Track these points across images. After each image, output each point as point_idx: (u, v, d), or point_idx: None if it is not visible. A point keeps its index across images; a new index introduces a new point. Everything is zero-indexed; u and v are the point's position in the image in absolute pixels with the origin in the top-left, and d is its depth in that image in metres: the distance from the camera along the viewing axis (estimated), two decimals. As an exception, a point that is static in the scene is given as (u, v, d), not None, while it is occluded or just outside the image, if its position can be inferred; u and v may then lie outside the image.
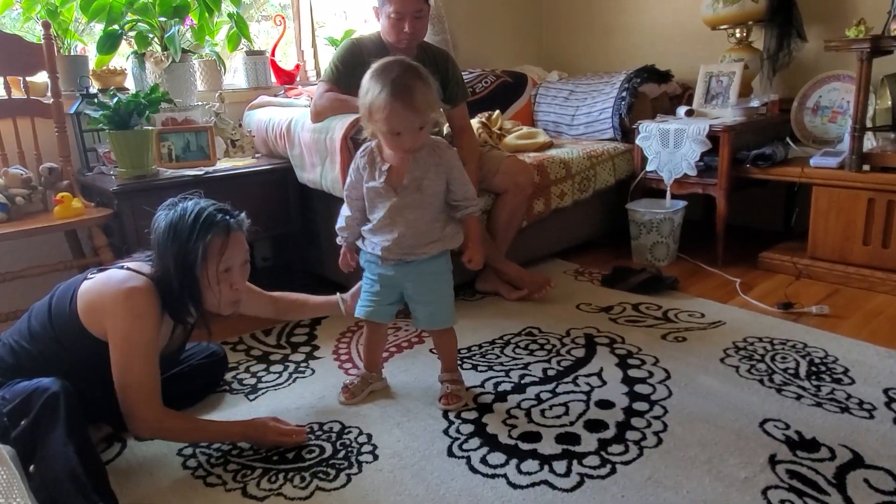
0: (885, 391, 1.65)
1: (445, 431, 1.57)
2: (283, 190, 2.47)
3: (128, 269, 1.48)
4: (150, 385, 1.43)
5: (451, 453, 1.48)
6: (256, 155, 2.65)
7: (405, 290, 1.67)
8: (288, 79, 3.02)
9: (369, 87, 1.48)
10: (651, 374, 1.81)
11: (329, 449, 1.52)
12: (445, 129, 2.52)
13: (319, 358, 2.01)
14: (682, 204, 2.71)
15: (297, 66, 3.11)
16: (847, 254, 2.35)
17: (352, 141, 2.12)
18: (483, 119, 2.87)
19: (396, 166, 1.57)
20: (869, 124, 2.36)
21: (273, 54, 2.99)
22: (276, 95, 2.82)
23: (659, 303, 2.31)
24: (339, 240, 1.71)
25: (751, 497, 1.29)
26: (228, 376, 1.91)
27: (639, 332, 2.09)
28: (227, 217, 1.49)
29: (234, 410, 1.73)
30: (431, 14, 3.21)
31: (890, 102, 2.36)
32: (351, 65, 2.28)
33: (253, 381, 1.89)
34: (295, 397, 1.78)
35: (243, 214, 1.56)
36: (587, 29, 3.66)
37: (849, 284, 2.34)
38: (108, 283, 1.44)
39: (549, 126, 3.27)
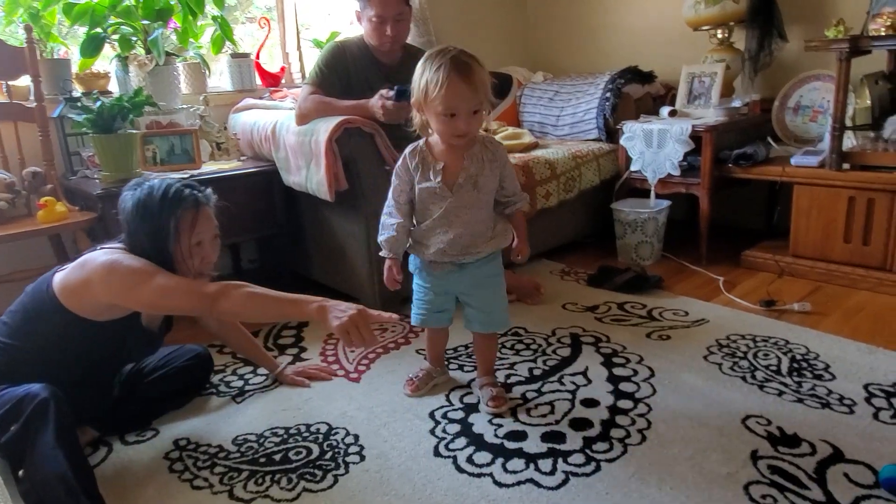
0: (865, 387, 1.68)
1: (432, 431, 1.58)
2: (269, 192, 2.47)
3: (101, 248, 1.49)
4: (182, 285, 1.41)
5: (437, 453, 1.49)
6: (242, 158, 2.64)
7: (460, 295, 1.65)
8: (273, 81, 3.02)
9: (425, 68, 1.43)
10: (635, 373, 1.83)
11: (316, 450, 1.53)
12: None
13: (307, 360, 2.01)
14: (666, 203, 2.74)
15: (283, 69, 3.11)
16: (828, 251, 2.39)
17: (336, 143, 2.12)
18: (468, 120, 2.88)
19: (450, 164, 1.52)
20: (849, 123, 2.39)
21: (258, 57, 2.99)
22: (261, 98, 2.81)
23: (644, 301, 2.33)
24: (383, 253, 1.59)
25: (732, 493, 1.31)
26: (215, 379, 1.91)
27: (624, 331, 2.10)
28: (195, 192, 1.50)
29: (220, 413, 1.73)
30: (416, 16, 3.23)
31: (869, 102, 2.39)
32: (335, 68, 2.29)
33: (240, 383, 1.89)
34: (282, 399, 1.78)
35: (209, 190, 1.56)
36: (572, 30, 3.68)
37: (830, 282, 2.38)
38: (86, 264, 1.44)
39: (534, 127, 3.29)
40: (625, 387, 1.75)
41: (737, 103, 2.75)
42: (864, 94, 2.40)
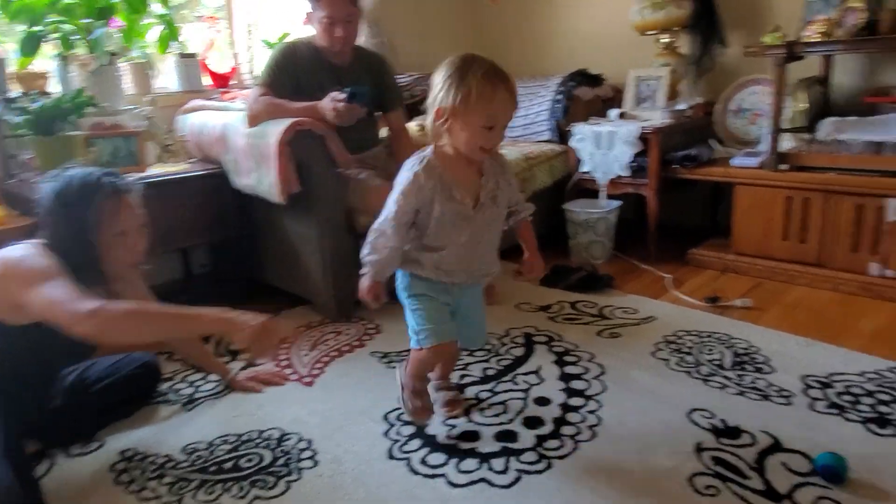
0: (802, 378, 1.75)
1: (386, 434, 1.58)
2: (220, 195, 2.43)
3: (17, 244, 1.41)
4: (63, 299, 1.26)
5: (391, 456, 1.50)
6: (191, 160, 2.59)
7: (457, 310, 1.52)
8: (222, 82, 2.97)
9: (462, 74, 1.27)
10: (587, 370, 1.87)
11: (268, 457, 1.51)
12: (382, 131, 2.54)
13: (260, 364, 1.99)
14: (616, 203, 2.80)
15: (233, 69, 3.06)
16: (768, 249, 2.48)
17: (288, 145, 2.10)
18: (420, 123, 2.89)
19: (467, 181, 1.39)
20: (787, 126, 2.49)
21: (207, 57, 2.93)
22: (210, 99, 2.76)
23: (595, 300, 2.38)
24: (367, 273, 1.43)
25: (678, 484, 1.35)
26: (163, 387, 1.86)
27: (576, 330, 2.14)
28: (115, 179, 1.45)
29: (169, 422, 1.69)
30: (368, 18, 3.22)
31: (805, 105, 2.49)
32: (285, 69, 2.27)
33: (190, 390, 1.85)
34: (234, 406, 1.76)
35: (131, 178, 1.52)
36: (523, 33, 3.73)
37: (770, 278, 2.47)
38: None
39: (487, 128, 3.32)
40: (576, 385, 1.79)
41: (682, 106, 2.83)
42: (801, 97, 2.50)
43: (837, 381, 1.72)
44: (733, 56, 2.89)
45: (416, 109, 3.10)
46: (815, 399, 1.64)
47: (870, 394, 1.65)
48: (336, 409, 1.71)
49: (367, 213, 2.27)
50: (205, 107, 2.66)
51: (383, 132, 2.55)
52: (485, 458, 1.47)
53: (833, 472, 1.32)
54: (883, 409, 1.58)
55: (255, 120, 2.22)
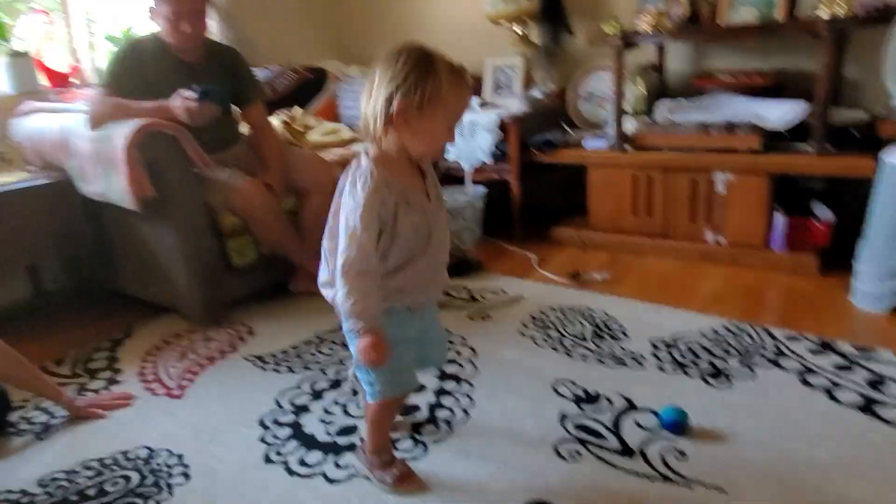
0: (651, 342, 1.92)
1: (262, 439, 1.57)
2: (66, 205, 2.26)
3: None
4: None
5: (268, 460, 1.48)
6: (29, 168, 2.38)
7: (421, 335, 1.34)
8: (61, 81, 2.74)
9: (423, 70, 1.12)
10: (460, 354, 1.94)
11: (136, 477, 1.45)
12: (242, 128, 2.47)
13: (122, 382, 1.89)
14: (482, 190, 2.90)
15: (74, 68, 2.83)
16: (620, 224, 2.68)
17: (137, 148, 1.99)
18: (285, 117, 2.84)
19: (414, 184, 1.23)
20: (629, 109, 2.69)
21: (42, 55, 2.69)
22: (47, 101, 2.54)
23: (467, 285, 2.47)
24: (360, 325, 1.16)
25: (545, 454, 1.45)
26: (14, 416, 1.72)
27: (448, 315, 2.21)
28: None
29: (22, 454, 1.57)
30: (221, 11, 3.10)
31: (644, 89, 2.70)
32: (130, 68, 2.15)
33: (44, 417, 1.72)
34: (94, 428, 1.66)
35: None
36: (383, 23, 3.73)
37: (624, 251, 2.67)
38: None
39: (354, 121, 3.30)
40: (449, 369, 1.85)
41: (537, 93, 2.97)
42: (639, 82, 2.71)
43: (680, 342, 1.90)
44: (581, 45, 3.06)
45: (278, 103, 3.03)
46: (662, 359, 1.81)
47: (707, 350, 1.84)
48: (208, 420, 1.66)
49: (233, 212, 2.21)
50: (42, 109, 2.45)
51: (246, 128, 2.48)
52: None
53: (676, 424, 1.47)
54: (717, 362, 1.77)
55: (97, 122, 2.08)
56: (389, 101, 1.12)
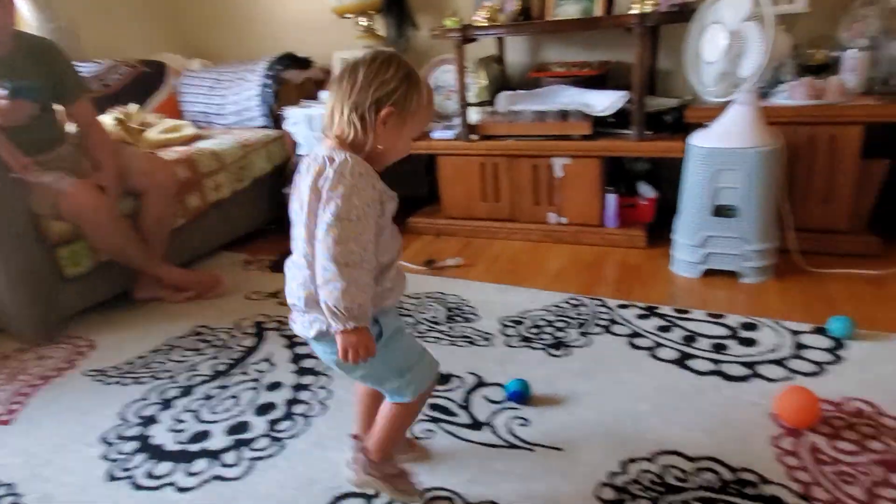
0: (500, 321, 2.03)
1: (105, 456, 1.49)
2: None
3: None
4: None
5: (112, 477, 1.42)
6: None
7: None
8: None
9: (409, 74, 1.11)
10: (317, 348, 1.94)
11: (-43, 515, 1.33)
12: (68, 127, 2.29)
13: (-62, 414, 1.71)
14: (336, 183, 2.89)
15: None
16: (471, 210, 2.79)
17: None
18: (118, 115, 2.66)
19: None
20: (473, 100, 2.80)
21: None
22: None
23: (324, 279, 2.46)
24: (350, 324, 1.06)
25: (399, 435, 1.50)
26: None
27: (306, 311, 2.20)
28: None
29: None
30: (38, 1, 2.84)
31: (486, 81, 2.82)
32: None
33: None
34: None
35: None
36: (226, 16, 3.59)
37: (476, 236, 2.79)
38: None
39: (198, 117, 3.17)
40: (307, 363, 1.85)
41: (386, 85, 3.00)
42: (482, 74, 2.83)
43: (527, 318, 2.03)
44: (426, 38, 3.13)
45: (111, 100, 2.84)
46: (510, 336, 1.93)
47: (550, 323, 1.98)
48: (43, 443, 1.55)
49: (62, 218, 2.05)
50: None
51: (73, 127, 2.30)
52: (216, 455, 1.47)
53: (519, 395, 1.58)
54: (559, 334, 1.91)
55: None
56: (377, 106, 1.09)
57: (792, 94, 2.23)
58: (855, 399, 1.50)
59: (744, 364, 1.68)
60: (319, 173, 1.07)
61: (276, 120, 3.02)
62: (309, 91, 3.17)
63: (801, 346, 1.74)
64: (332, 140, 1.12)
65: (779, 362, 1.68)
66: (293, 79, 3.13)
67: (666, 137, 2.43)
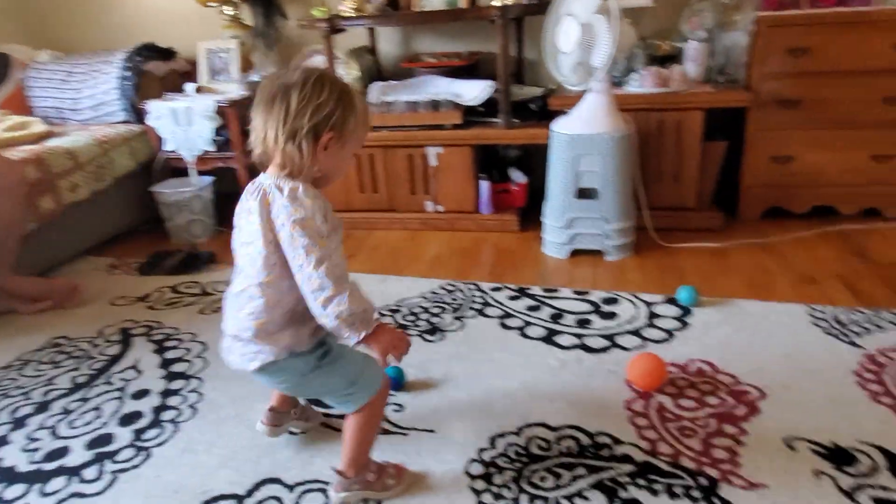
0: (379, 311, 2.05)
1: (-55, 485, 1.37)
2: None
3: None
4: None
5: (-47, 507, 1.31)
6: None
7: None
8: None
9: (344, 92, 1.10)
10: (189, 351, 1.88)
11: None
12: None
13: None
14: (208, 180, 2.79)
15: None
16: (350, 202, 2.78)
17: None
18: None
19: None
20: (346, 91, 2.79)
21: None
22: None
23: (198, 279, 2.38)
24: (375, 321, 1.15)
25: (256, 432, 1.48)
26: None
27: (178, 313, 2.12)
28: None
29: None
30: None
31: (358, 72, 2.82)
32: None
33: None
34: None
35: None
36: (78, 4, 3.34)
37: (355, 228, 2.79)
38: None
39: (50, 113, 2.94)
40: (177, 367, 1.79)
41: (257, 77, 2.93)
42: (354, 65, 2.81)
43: (404, 306, 2.06)
44: (296, 28, 3.07)
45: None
46: (387, 324, 1.95)
47: (426, 310, 2.03)
48: None
49: None
50: None
51: None
52: (75, 471, 1.39)
53: (394, 382, 1.61)
54: (434, 320, 1.96)
55: None
56: (316, 132, 1.07)
57: (642, 83, 2.39)
58: (697, 360, 1.65)
59: (604, 336, 1.80)
60: (269, 203, 1.09)
61: (138, 114, 2.86)
62: (173, 83, 3.03)
63: (654, 316, 1.89)
64: (273, 168, 1.12)
65: (635, 332, 1.81)
66: (155, 70, 2.97)
67: (532, 125, 2.53)
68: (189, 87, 2.87)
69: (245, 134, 2.72)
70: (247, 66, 3.01)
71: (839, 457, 1.28)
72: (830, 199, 2.49)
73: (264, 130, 1.09)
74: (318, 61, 2.95)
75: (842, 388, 1.50)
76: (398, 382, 1.61)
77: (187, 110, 2.69)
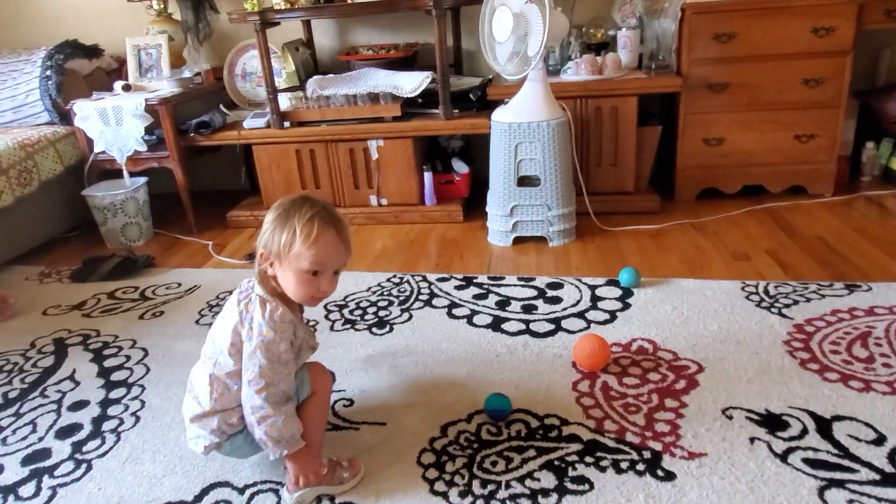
0: (325, 307, 2.02)
1: None
2: None
3: None
4: None
5: None
6: None
7: None
8: None
9: (288, 216, 1.18)
10: (128, 358, 1.82)
11: None
12: None
13: None
14: (141, 181, 2.70)
15: None
16: (292, 199, 2.74)
17: None
18: None
19: (299, 318, 1.32)
20: (283, 86, 2.74)
21: None
22: None
23: (136, 284, 2.30)
24: (300, 444, 1.23)
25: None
26: None
27: (116, 320, 2.05)
28: None
29: None
30: None
31: (293, 66, 2.77)
32: None
33: None
34: None
35: None
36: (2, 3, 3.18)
37: (299, 225, 2.75)
38: None
39: (-33, 115, 2.79)
40: (117, 376, 1.73)
41: (188, 73, 2.84)
42: (289, 59, 2.77)
43: (351, 301, 2.05)
44: (228, 22, 2.99)
45: None
46: (334, 321, 1.93)
47: (373, 304, 2.02)
48: None
49: None
50: None
51: None
52: (10, 489, 1.33)
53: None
54: (382, 313, 1.96)
55: None
56: (262, 256, 1.22)
57: (577, 71, 2.44)
58: (639, 339, 1.70)
59: (550, 320, 1.83)
60: (247, 312, 1.20)
61: (64, 115, 2.74)
62: (100, 82, 2.91)
63: (597, 298, 1.93)
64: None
65: (580, 315, 1.85)
66: (79, 69, 2.85)
67: (472, 115, 2.55)
68: (117, 85, 2.77)
69: (180, 132, 2.67)
70: (177, 62, 2.92)
71: (772, 423, 1.35)
72: (759, 178, 2.59)
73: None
74: (253, 56, 2.89)
75: (773, 357, 1.57)
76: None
77: (116, 109, 2.59)
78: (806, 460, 1.24)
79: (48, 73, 2.72)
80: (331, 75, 2.72)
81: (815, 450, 1.26)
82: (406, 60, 2.77)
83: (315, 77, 2.68)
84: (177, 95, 2.68)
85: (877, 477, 1.19)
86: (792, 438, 1.30)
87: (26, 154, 2.51)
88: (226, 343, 1.22)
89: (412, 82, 2.52)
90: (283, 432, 1.19)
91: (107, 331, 1.98)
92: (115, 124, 2.61)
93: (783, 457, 1.25)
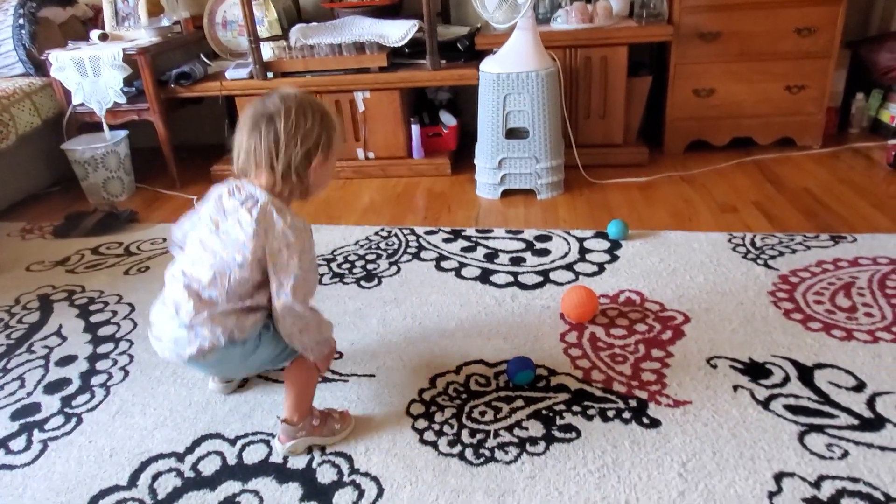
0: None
1: None
2: None
3: None
4: None
5: None
6: None
7: None
8: None
9: (322, 114, 1.17)
10: (115, 314, 1.81)
11: None
12: None
13: None
14: (122, 134, 2.64)
15: None
16: (278, 153, 2.69)
17: None
18: None
19: None
20: (265, 35, 2.66)
21: None
22: None
23: (120, 239, 2.27)
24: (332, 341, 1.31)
25: (206, 390, 1.46)
26: None
27: (100, 276, 2.03)
28: None
29: None
30: None
31: (275, 14, 2.69)
32: None
33: None
34: None
35: None
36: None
37: (285, 178, 2.71)
38: None
39: (-63, 67, 2.69)
40: (104, 331, 1.72)
41: (166, 22, 2.75)
42: (271, 7, 2.68)
43: (339, 254, 2.04)
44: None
45: None
46: (323, 274, 1.93)
47: (361, 257, 2.01)
48: None
49: None
50: None
51: None
52: (0, 444, 1.34)
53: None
54: (370, 266, 1.95)
55: None
56: (308, 158, 1.15)
57: (567, 20, 2.38)
58: (626, 291, 1.71)
59: (538, 273, 1.84)
60: (269, 224, 1.13)
61: (39, 66, 2.66)
62: (76, 30, 2.82)
63: (585, 251, 1.93)
64: (263, 184, 1.16)
65: (568, 267, 1.85)
66: (54, 17, 2.75)
67: (460, 65, 2.49)
68: (93, 34, 2.67)
69: (160, 83, 2.60)
70: (155, 9, 2.82)
71: (755, 371, 1.37)
72: (748, 130, 2.58)
73: (250, 152, 1.14)
74: (235, 3, 2.79)
75: (758, 307, 1.59)
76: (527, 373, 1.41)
77: (93, 60, 2.51)
78: (787, 407, 1.27)
79: (21, 21, 2.62)
80: (315, 24, 2.64)
81: (797, 396, 1.29)
82: (392, 8, 2.69)
83: (298, 25, 2.60)
84: (155, 45, 2.60)
85: (855, 422, 1.22)
86: (774, 386, 1.32)
87: (2, 107, 2.44)
88: (246, 250, 1.12)
89: (398, 31, 2.46)
90: (324, 332, 1.24)
91: (92, 286, 1.97)
92: (92, 75, 2.53)
93: (765, 404, 1.28)
